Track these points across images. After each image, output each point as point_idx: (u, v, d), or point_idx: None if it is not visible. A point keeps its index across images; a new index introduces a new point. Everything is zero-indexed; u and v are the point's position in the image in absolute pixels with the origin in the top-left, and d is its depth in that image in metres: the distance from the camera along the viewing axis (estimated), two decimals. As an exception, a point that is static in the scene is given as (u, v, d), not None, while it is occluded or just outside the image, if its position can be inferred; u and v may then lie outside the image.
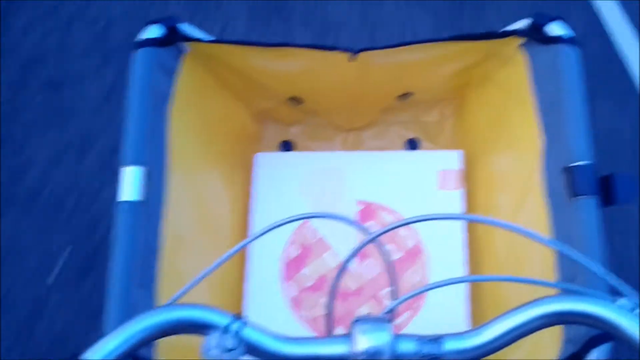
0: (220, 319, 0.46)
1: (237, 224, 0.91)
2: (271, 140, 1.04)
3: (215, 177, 0.87)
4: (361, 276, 0.88)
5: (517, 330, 0.47)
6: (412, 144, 1.04)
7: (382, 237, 0.55)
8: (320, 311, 0.86)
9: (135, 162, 0.66)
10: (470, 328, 0.57)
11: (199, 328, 0.45)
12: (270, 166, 0.94)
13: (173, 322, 0.45)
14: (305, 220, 0.92)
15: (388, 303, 0.86)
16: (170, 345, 0.65)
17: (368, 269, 0.89)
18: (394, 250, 0.89)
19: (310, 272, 0.88)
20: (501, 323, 0.47)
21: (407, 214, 0.90)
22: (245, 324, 0.46)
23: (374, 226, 0.90)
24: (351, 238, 0.89)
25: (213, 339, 0.45)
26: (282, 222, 0.54)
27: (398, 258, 0.88)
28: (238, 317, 0.46)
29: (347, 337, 0.47)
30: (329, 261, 0.89)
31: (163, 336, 0.45)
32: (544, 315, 0.46)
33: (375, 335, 0.46)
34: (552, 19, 0.73)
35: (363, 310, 0.86)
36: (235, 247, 0.53)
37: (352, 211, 0.91)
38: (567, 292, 0.52)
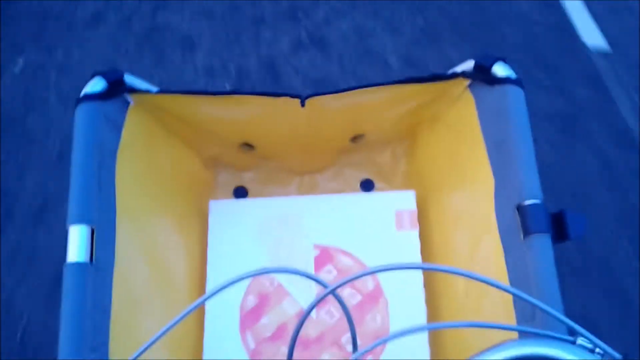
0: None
1: (194, 274, 0.88)
2: (225, 186, 1.02)
3: (168, 227, 0.85)
4: (321, 323, 0.86)
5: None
6: (367, 185, 1.04)
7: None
8: (280, 362, 0.84)
9: (80, 221, 0.63)
10: None
11: None
12: (225, 213, 0.93)
13: None
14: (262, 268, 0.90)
15: (350, 349, 0.85)
16: None
17: (328, 315, 0.87)
18: (353, 294, 0.88)
19: (269, 322, 0.86)
20: (464, 371, 0.46)
21: (365, 256, 0.90)
22: None
23: (331, 270, 0.89)
24: (309, 284, 0.88)
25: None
26: (237, 278, 0.52)
27: (357, 302, 0.87)
28: None
29: None
30: (288, 309, 0.87)
31: None
32: (509, 357, 0.46)
33: None
34: (496, 59, 0.75)
35: (325, 357, 0.84)
36: (190, 307, 0.51)
37: (309, 256, 0.90)
38: (527, 335, 0.52)
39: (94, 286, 0.61)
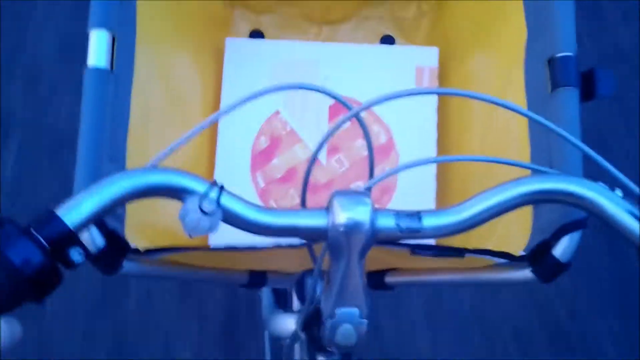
0: (199, 185, 0.44)
1: (207, 108, 0.87)
2: (241, 28, 0.99)
3: (184, 57, 0.83)
4: (331, 170, 0.87)
5: (497, 207, 0.47)
6: (387, 41, 1.00)
7: (356, 131, 0.54)
8: (288, 202, 0.85)
9: (102, 25, 0.61)
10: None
11: (177, 192, 0.44)
12: (241, 52, 0.90)
13: (152, 184, 0.43)
14: (276, 111, 0.89)
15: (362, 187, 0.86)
16: (140, 222, 0.64)
17: (338, 163, 0.88)
18: (364, 145, 0.88)
19: (279, 164, 0.86)
20: (480, 199, 0.47)
21: (382, 109, 0.89)
22: (223, 190, 0.45)
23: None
24: (322, 131, 0.88)
25: (191, 202, 0.43)
26: (256, 93, 0.51)
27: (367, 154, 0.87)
28: (216, 184, 0.45)
29: (327, 209, 0.46)
30: (300, 153, 0.87)
31: (139, 198, 0.43)
32: (526, 192, 0.46)
33: (356, 207, 0.45)
34: None
35: (332, 202, 0.85)
36: (206, 120, 0.51)
37: (324, 103, 0.89)
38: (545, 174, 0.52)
39: (114, 96, 0.60)
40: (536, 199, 0.47)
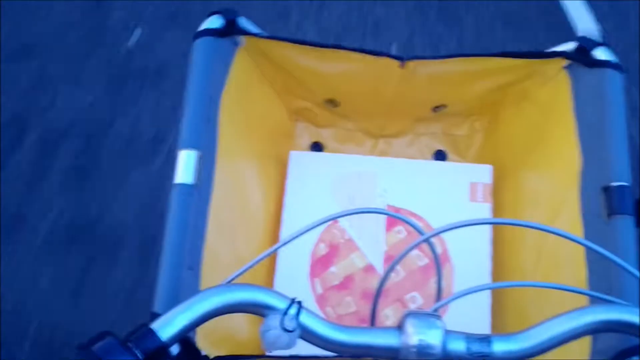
0: (280, 302, 0.48)
1: (270, 217, 0.92)
2: (303, 140, 1.06)
3: (252, 169, 0.89)
4: (387, 280, 0.89)
5: (564, 334, 0.48)
6: (440, 156, 1.05)
7: (412, 241, 0.57)
8: (345, 310, 0.88)
9: (191, 146, 0.67)
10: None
11: (261, 308, 0.47)
12: (304, 164, 0.96)
13: (239, 301, 0.47)
14: (335, 220, 0.93)
15: (413, 307, 0.88)
16: (208, 328, 0.67)
17: (394, 273, 0.90)
18: (420, 256, 0.91)
19: (337, 271, 0.90)
20: (548, 326, 0.49)
21: (436, 223, 0.92)
22: (302, 308, 0.48)
23: (401, 231, 0.92)
24: (379, 241, 0.91)
25: (273, 319, 0.47)
26: (322, 220, 0.56)
27: (424, 265, 0.90)
28: (296, 301, 0.48)
29: (399, 329, 0.49)
30: (357, 262, 0.90)
31: (227, 313, 0.47)
32: (592, 322, 0.48)
33: (428, 329, 0.48)
34: (598, 44, 0.76)
35: (388, 313, 0.87)
36: (273, 248, 0.55)
37: (382, 216, 0.93)
38: (604, 302, 0.54)
39: (196, 208, 0.66)
40: (603, 329, 0.49)
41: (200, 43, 0.73)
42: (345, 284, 0.89)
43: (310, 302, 0.88)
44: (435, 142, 1.07)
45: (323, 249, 0.91)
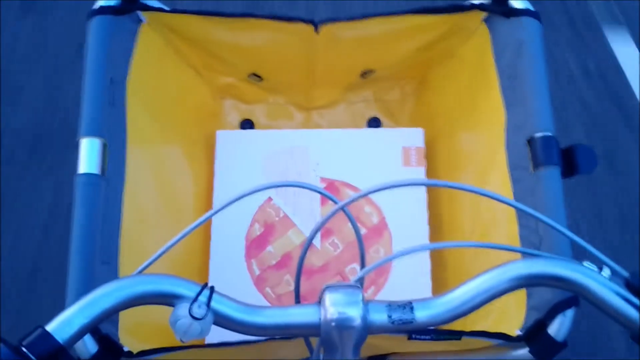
0: (189, 289, 0.45)
1: (200, 201, 0.89)
2: (231, 118, 1.02)
3: (175, 152, 0.85)
4: (325, 253, 0.87)
5: (487, 293, 0.47)
6: (374, 123, 1.03)
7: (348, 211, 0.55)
8: (284, 289, 0.85)
9: (92, 134, 0.63)
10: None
11: (167, 298, 0.44)
12: (232, 143, 0.93)
13: (141, 293, 0.43)
14: (268, 198, 0.90)
15: (352, 279, 0.86)
16: (133, 323, 0.63)
17: (332, 246, 0.88)
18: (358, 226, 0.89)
19: (274, 250, 0.87)
20: (470, 286, 0.47)
21: (371, 191, 0.90)
22: (213, 293, 0.45)
23: (331, 195, 0.90)
24: (315, 215, 0.89)
25: (181, 308, 0.44)
26: (248, 192, 0.53)
27: (362, 235, 0.88)
28: (206, 286, 0.45)
29: (318, 304, 0.46)
30: (294, 239, 0.88)
31: (130, 307, 0.44)
32: (514, 277, 0.47)
33: (347, 301, 0.45)
34: None
35: (328, 287, 0.85)
36: (198, 220, 0.52)
37: (316, 189, 0.90)
38: (534, 257, 0.53)
39: (105, 199, 0.62)
40: (525, 284, 0.47)
41: (93, 23, 0.68)
42: (283, 262, 0.87)
43: (248, 285, 0.85)
44: (368, 109, 1.04)
45: (258, 229, 0.88)
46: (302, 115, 1.04)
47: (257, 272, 0.86)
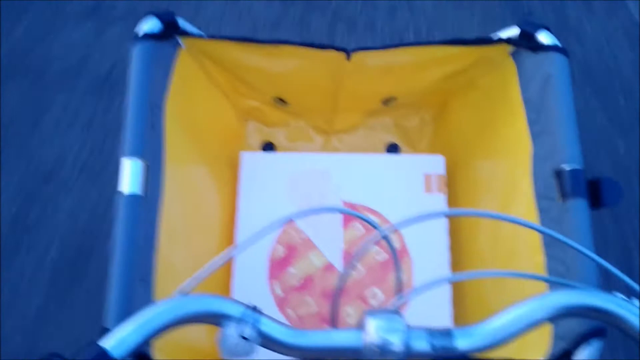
0: (236, 309, 0.46)
1: (224, 219, 0.90)
2: (253, 140, 1.04)
3: (203, 172, 0.86)
4: (347, 278, 0.88)
5: (525, 322, 0.48)
6: (393, 149, 1.05)
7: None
8: (306, 310, 0.86)
9: (135, 154, 0.65)
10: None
11: (215, 318, 0.45)
12: (256, 165, 0.94)
13: (192, 312, 0.44)
14: (293, 220, 0.92)
15: (374, 303, 0.87)
16: (165, 341, 0.64)
17: (354, 270, 0.89)
18: (378, 251, 0.90)
19: (296, 272, 0.88)
20: (510, 315, 0.48)
21: (392, 216, 0.92)
22: (260, 314, 0.46)
23: (360, 228, 0.91)
24: (336, 239, 0.90)
25: (230, 328, 0.45)
26: (281, 220, 0.54)
27: (383, 260, 0.89)
28: (253, 307, 0.46)
29: (360, 329, 0.47)
30: (315, 261, 0.89)
31: (181, 325, 0.44)
32: (552, 308, 0.48)
33: (389, 327, 0.46)
34: (540, 27, 0.76)
35: (349, 311, 0.86)
36: (229, 251, 0.53)
37: (338, 213, 0.92)
38: (563, 287, 0.54)
39: (144, 218, 0.63)
40: (564, 314, 0.48)
41: (138, 48, 0.70)
42: (305, 284, 0.87)
43: (270, 305, 0.86)
44: (387, 135, 1.06)
45: (281, 251, 0.89)
46: (322, 139, 1.06)
47: (280, 293, 0.87)
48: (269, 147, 1.04)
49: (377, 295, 0.87)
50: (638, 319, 0.47)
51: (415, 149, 1.05)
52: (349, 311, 0.87)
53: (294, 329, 0.47)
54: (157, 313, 0.44)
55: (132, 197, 0.63)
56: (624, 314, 0.47)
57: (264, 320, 0.46)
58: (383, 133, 1.06)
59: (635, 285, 0.49)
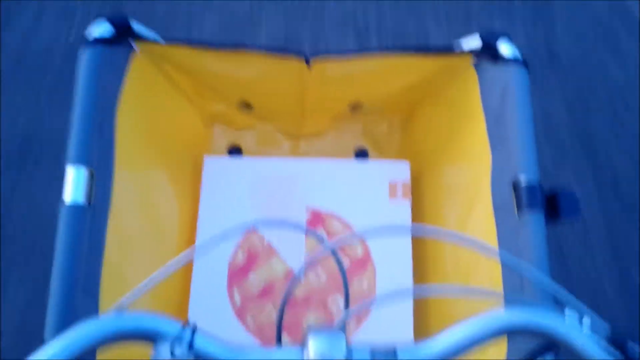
0: (170, 328, 0.44)
1: (184, 226, 0.89)
2: (220, 143, 1.02)
3: (162, 177, 0.85)
4: (308, 284, 0.87)
5: (469, 340, 0.47)
6: (361, 154, 1.04)
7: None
8: (266, 319, 0.85)
9: (79, 162, 0.63)
10: (415, 341, 0.58)
11: (148, 337, 0.44)
12: (220, 170, 0.93)
13: (122, 331, 0.43)
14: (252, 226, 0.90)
15: (335, 310, 0.87)
16: (110, 354, 0.63)
17: (315, 277, 0.88)
18: (342, 258, 0.89)
19: (256, 279, 0.87)
20: (453, 334, 0.48)
21: (357, 223, 0.91)
22: (195, 332, 0.45)
23: (322, 233, 0.90)
24: (299, 245, 0.89)
25: (163, 348, 0.43)
26: (236, 228, 0.53)
27: (346, 267, 0.88)
28: (188, 325, 0.45)
29: (301, 346, 0.46)
30: (276, 268, 0.88)
31: (110, 344, 0.43)
32: (496, 327, 0.47)
33: (330, 346, 0.45)
34: (500, 36, 0.76)
35: (310, 318, 0.85)
36: (181, 260, 0.52)
37: (301, 217, 0.91)
38: (515, 305, 0.53)
39: (89, 228, 0.61)
40: (507, 332, 0.48)
41: (86, 52, 0.68)
42: (265, 292, 0.86)
43: (228, 312, 0.85)
44: (356, 139, 1.05)
45: (241, 257, 0.88)
46: (290, 143, 1.04)
47: (239, 299, 0.85)
48: (236, 150, 1.02)
49: (338, 301, 0.87)
50: (586, 341, 0.46)
51: (384, 154, 1.04)
52: (311, 319, 0.86)
53: (230, 347, 0.46)
54: (84, 332, 0.42)
55: (74, 207, 0.61)
56: (570, 336, 0.46)
57: (201, 337, 0.45)
58: (352, 138, 1.05)
59: (582, 306, 0.48)
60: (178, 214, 0.88)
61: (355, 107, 0.97)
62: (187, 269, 0.87)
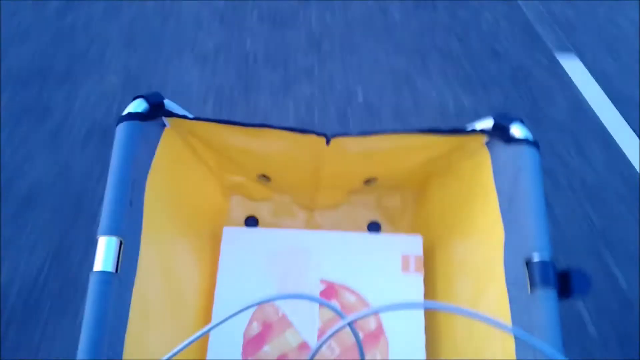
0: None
1: (203, 295, 0.90)
2: (237, 214, 1.05)
3: (184, 247, 0.87)
4: (323, 357, 0.88)
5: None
6: (374, 227, 1.07)
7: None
8: (279, 391, 0.85)
9: (111, 233, 0.66)
10: None
11: None
12: (238, 240, 0.95)
13: None
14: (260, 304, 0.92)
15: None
16: None
17: (329, 350, 0.89)
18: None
19: (271, 350, 0.87)
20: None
21: (369, 295, 0.92)
22: None
23: (336, 305, 0.91)
24: (313, 316, 0.90)
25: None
26: (250, 305, 0.54)
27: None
28: None
29: None
30: (290, 339, 0.89)
31: None
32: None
33: None
34: (513, 120, 0.79)
35: (323, 392, 0.85)
36: (198, 334, 0.53)
37: (315, 289, 0.92)
38: None
39: (116, 296, 0.64)
40: None
41: (122, 127, 0.73)
42: (280, 363, 0.87)
43: (243, 384, 0.85)
44: (369, 213, 1.08)
45: (256, 328, 0.89)
46: (305, 214, 1.07)
47: (253, 371, 0.86)
48: (252, 221, 1.05)
49: (351, 377, 0.87)
50: None
51: (396, 227, 1.06)
52: (324, 392, 0.86)
53: None
54: None
55: (103, 274, 0.63)
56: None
57: None
58: (365, 211, 1.08)
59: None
60: (197, 283, 0.90)
61: (370, 182, 1.00)
62: (203, 338, 0.88)
